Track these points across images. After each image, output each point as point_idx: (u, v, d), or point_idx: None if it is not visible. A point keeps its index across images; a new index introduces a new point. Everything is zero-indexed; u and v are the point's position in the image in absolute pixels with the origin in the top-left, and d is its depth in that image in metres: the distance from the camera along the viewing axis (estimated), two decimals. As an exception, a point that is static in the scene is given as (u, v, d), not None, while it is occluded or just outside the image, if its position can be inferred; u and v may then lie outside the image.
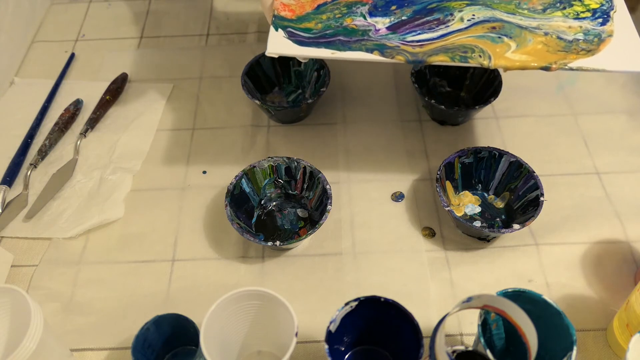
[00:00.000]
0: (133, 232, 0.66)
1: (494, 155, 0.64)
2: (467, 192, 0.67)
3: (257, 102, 0.71)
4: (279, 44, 0.56)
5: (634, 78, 0.78)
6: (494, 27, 0.57)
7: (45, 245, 0.65)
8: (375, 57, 0.55)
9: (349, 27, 0.57)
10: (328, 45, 0.56)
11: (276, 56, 0.56)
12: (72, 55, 0.86)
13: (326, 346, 0.47)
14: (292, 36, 0.57)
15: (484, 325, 0.52)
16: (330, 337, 0.49)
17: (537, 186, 0.61)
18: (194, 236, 0.65)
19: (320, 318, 0.56)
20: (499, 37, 0.56)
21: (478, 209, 0.65)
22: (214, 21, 0.91)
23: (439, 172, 0.63)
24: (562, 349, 0.47)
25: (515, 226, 0.59)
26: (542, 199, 0.60)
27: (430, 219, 0.66)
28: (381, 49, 0.55)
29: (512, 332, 0.51)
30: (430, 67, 0.75)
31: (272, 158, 0.65)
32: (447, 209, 0.60)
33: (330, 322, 0.49)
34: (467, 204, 0.66)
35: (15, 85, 0.83)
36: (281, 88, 0.78)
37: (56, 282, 0.62)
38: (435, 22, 0.57)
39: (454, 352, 0.45)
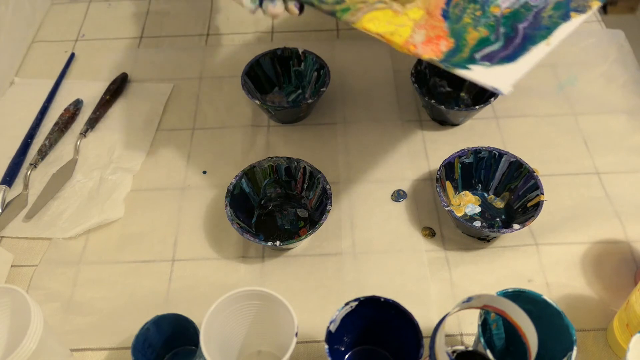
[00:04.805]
0: (133, 232, 0.66)
1: (494, 155, 0.64)
2: (467, 192, 0.67)
3: (257, 102, 0.71)
4: (496, 76, 0.44)
5: (634, 78, 0.78)
6: None
7: (45, 245, 0.65)
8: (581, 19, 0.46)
9: (511, 11, 0.48)
10: (527, 41, 0.46)
11: (512, 89, 0.43)
12: (72, 55, 0.86)
13: (326, 346, 0.47)
14: (489, 59, 0.45)
15: (484, 325, 0.52)
16: (330, 337, 0.49)
17: (537, 186, 0.61)
18: (194, 236, 0.65)
19: (320, 318, 0.55)
20: None
21: (478, 209, 0.65)
22: (214, 21, 0.91)
23: (439, 172, 0.63)
24: (562, 349, 0.47)
25: (515, 226, 0.59)
26: (543, 199, 0.60)
27: (430, 219, 0.66)
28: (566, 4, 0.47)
29: (512, 332, 0.51)
30: (430, 67, 0.75)
31: (272, 158, 0.65)
32: (447, 209, 0.60)
33: (330, 322, 0.49)
34: (467, 204, 0.66)
35: (15, 85, 0.83)
36: (281, 88, 0.78)
37: (56, 282, 0.62)
38: None
39: (454, 352, 0.45)
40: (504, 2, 0.49)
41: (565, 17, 0.48)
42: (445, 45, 0.46)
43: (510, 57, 0.45)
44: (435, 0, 0.49)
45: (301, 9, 0.54)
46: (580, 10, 0.48)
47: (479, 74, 0.44)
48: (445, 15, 0.49)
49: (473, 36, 0.47)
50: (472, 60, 0.45)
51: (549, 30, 0.47)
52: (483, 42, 0.46)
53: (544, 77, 0.79)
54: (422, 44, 0.46)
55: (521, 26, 0.47)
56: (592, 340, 0.56)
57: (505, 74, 0.44)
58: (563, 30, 0.47)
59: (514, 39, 0.47)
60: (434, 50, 0.46)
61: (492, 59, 0.45)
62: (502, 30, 0.47)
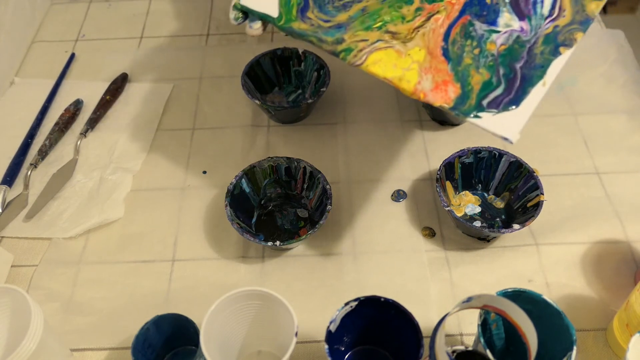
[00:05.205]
0: (133, 232, 0.66)
1: (494, 155, 0.64)
2: (467, 192, 0.67)
3: (257, 102, 0.71)
4: (504, 124, 0.46)
5: (634, 78, 0.78)
6: None
7: (45, 245, 0.65)
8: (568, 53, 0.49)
9: (507, 48, 0.49)
10: (526, 82, 0.48)
11: (519, 136, 0.46)
12: (72, 55, 0.86)
13: (326, 346, 0.47)
14: (496, 105, 0.47)
15: (484, 325, 0.52)
16: (330, 337, 0.49)
17: (537, 186, 0.61)
18: (194, 236, 0.65)
19: (320, 318, 0.56)
20: None
21: (478, 209, 0.65)
22: (214, 21, 0.91)
23: (439, 172, 0.63)
24: (562, 349, 0.47)
25: (515, 226, 0.59)
26: (543, 199, 0.60)
27: (430, 219, 0.66)
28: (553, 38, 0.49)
29: (512, 332, 0.51)
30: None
31: (272, 158, 0.65)
32: (447, 209, 0.60)
33: (330, 322, 0.49)
34: (467, 204, 0.66)
35: (15, 85, 0.83)
36: (281, 88, 0.78)
37: (56, 282, 0.62)
38: None
39: (454, 352, 0.45)
40: (499, 38, 0.50)
41: (556, 53, 0.49)
42: (453, 91, 0.48)
43: (514, 101, 0.47)
44: (435, 38, 0.50)
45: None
46: (568, 44, 0.49)
47: (488, 122, 0.46)
48: (446, 54, 0.50)
49: (476, 80, 0.48)
50: (480, 107, 0.47)
51: (543, 68, 0.49)
52: (487, 87, 0.48)
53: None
54: (431, 91, 0.48)
55: (518, 66, 0.49)
56: (592, 340, 0.56)
57: (512, 120, 0.46)
58: (555, 67, 0.49)
59: (514, 80, 0.48)
60: (443, 98, 0.48)
61: (498, 106, 0.47)
62: (501, 71, 0.49)
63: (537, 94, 0.48)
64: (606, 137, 0.72)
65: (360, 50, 0.49)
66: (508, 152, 0.64)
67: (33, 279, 0.62)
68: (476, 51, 0.50)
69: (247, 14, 0.53)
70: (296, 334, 0.47)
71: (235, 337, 0.53)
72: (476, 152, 0.65)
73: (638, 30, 1.13)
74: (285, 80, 0.78)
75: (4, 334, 0.51)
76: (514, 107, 0.47)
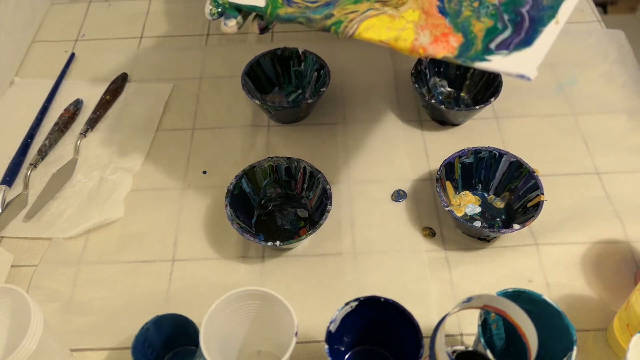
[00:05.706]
0: (133, 232, 0.66)
1: (494, 155, 0.64)
2: (467, 192, 0.67)
3: (257, 102, 0.71)
4: (517, 63, 0.43)
5: (634, 78, 0.78)
6: None
7: (45, 245, 0.65)
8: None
9: None
10: (536, 23, 0.45)
11: (537, 72, 0.42)
12: (72, 55, 0.86)
13: (326, 346, 0.47)
14: (506, 47, 0.44)
15: (484, 325, 0.52)
16: (330, 337, 0.49)
17: (537, 186, 0.61)
18: (194, 236, 0.65)
19: (320, 318, 0.56)
20: None
21: (478, 209, 0.65)
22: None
23: (439, 172, 0.63)
24: (562, 349, 0.47)
25: (516, 226, 0.59)
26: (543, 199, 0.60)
27: (430, 219, 0.66)
28: None
29: (512, 332, 0.51)
30: (431, 67, 0.75)
31: (272, 158, 0.65)
32: (447, 209, 0.60)
33: (330, 322, 0.49)
34: (467, 204, 0.66)
35: (15, 85, 0.83)
36: (281, 88, 0.78)
37: (56, 282, 0.62)
38: None
39: (454, 352, 0.45)
40: None
41: None
42: (455, 40, 0.45)
43: (526, 42, 0.44)
44: (429, 0, 0.49)
45: (263, 30, 0.53)
46: None
47: (500, 63, 0.43)
48: (443, 11, 0.47)
49: (479, 28, 0.46)
50: (488, 51, 0.44)
51: (553, 9, 0.46)
52: (492, 32, 0.45)
53: (544, 77, 0.79)
54: (431, 44, 0.45)
55: (524, 10, 0.46)
56: (592, 340, 0.56)
57: (526, 58, 0.43)
58: (567, 7, 0.46)
59: (522, 23, 0.46)
60: (445, 48, 0.45)
61: (508, 47, 0.44)
62: (506, 17, 0.46)
63: (551, 32, 0.44)
64: (606, 137, 0.72)
65: (351, 21, 0.47)
66: (508, 152, 0.64)
67: (33, 279, 0.62)
68: (475, 4, 0.47)
69: (223, 9, 0.52)
70: (296, 334, 0.47)
71: (235, 337, 0.53)
72: (476, 152, 0.65)
73: (638, 30, 1.13)
74: (285, 80, 0.78)
75: (4, 334, 0.51)
76: (527, 47, 0.44)
